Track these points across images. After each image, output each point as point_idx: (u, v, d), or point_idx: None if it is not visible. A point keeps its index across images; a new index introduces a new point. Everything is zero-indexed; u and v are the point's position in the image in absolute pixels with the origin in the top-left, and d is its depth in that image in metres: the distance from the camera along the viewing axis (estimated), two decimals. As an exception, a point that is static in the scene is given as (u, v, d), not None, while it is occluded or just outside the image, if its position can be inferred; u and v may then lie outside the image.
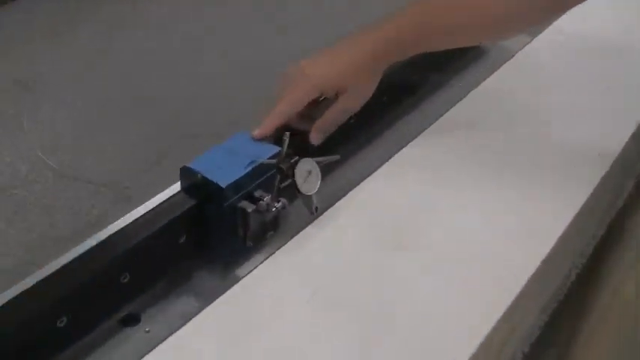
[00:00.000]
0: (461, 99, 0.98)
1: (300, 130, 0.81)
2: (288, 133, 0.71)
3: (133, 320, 0.69)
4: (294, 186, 0.72)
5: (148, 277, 0.68)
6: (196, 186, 0.73)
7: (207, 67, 1.12)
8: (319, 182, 0.73)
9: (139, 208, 0.75)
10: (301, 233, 0.76)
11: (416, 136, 0.91)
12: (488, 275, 0.73)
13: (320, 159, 0.74)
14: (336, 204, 0.80)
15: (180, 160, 0.75)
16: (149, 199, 0.79)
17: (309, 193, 0.73)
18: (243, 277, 0.73)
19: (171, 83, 1.07)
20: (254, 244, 0.75)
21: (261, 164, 0.73)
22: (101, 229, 0.76)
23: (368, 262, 0.74)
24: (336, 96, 0.80)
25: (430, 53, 0.88)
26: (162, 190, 0.77)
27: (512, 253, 0.76)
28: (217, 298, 0.71)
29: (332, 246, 0.76)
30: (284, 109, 0.78)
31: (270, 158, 0.74)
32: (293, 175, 0.70)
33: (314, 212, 0.74)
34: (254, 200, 0.73)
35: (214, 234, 0.74)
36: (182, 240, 0.69)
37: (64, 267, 0.62)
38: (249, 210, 0.72)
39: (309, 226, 0.77)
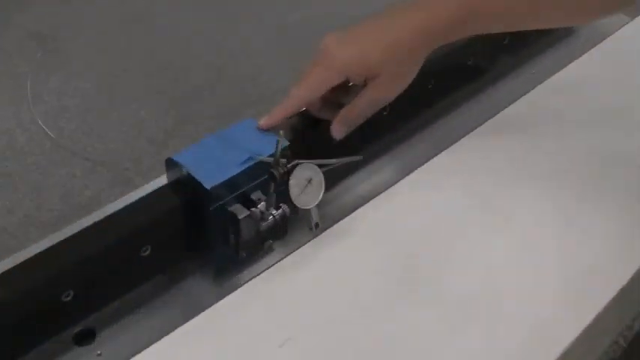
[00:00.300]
0: (529, 90, 0.81)
1: (321, 118, 0.67)
2: (282, 132, 0.57)
3: (87, 337, 0.58)
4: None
5: (102, 292, 0.57)
6: (181, 182, 0.61)
7: (238, 37, 0.99)
8: (321, 194, 0.59)
9: (118, 202, 0.65)
10: (300, 250, 0.63)
11: (463, 136, 0.75)
12: (521, 335, 0.57)
13: (332, 161, 0.60)
14: (349, 216, 0.66)
15: (188, 144, 0.63)
16: (147, 183, 0.69)
17: (307, 207, 0.59)
18: (227, 295, 0.61)
19: (194, 55, 0.95)
20: (248, 255, 0.63)
21: (261, 162, 0.60)
22: (90, 213, 0.66)
23: (366, 303, 0.59)
24: (366, 82, 0.65)
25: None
26: (163, 174, 0.66)
27: (557, 308, 0.59)
28: (190, 319, 0.59)
29: (329, 273, 0.62)
30: (299, 94, 0.64)
31: (272, 155, 0.61)
32: (287, 184, 0.57)
33: (313, 229, 0.61)
34: (250, 204, 0.61)
35: (204, 238, 0.62)
36: (146, 253, 0.57)
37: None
38: (241, 216, 0.60)
39: (310, 243, 0.63)
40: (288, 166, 0.57)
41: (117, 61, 0.94)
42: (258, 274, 0.62)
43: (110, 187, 0.76)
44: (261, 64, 0.93)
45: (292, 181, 0.57)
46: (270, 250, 0.65)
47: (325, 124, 0.67)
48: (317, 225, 0.60)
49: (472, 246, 0.64)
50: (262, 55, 0.95)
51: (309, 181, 0.58)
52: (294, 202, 0.58)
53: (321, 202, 0.60)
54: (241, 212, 0.60)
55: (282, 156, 0.58)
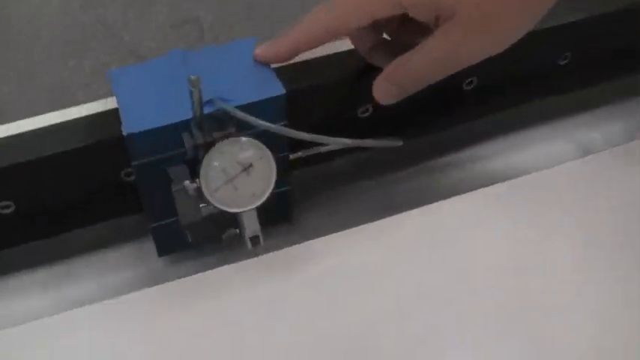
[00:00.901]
0: None
1: (375, 66, 0.44)
2: (198, 78, 0.34)
3: None
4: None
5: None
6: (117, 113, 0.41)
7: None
8: (267, 193, 0.36)
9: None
10: (249, 261, 0.40)
11: (577, 157, 0.45)
12: None
13: (344, 141, 0.37)
14: (312, 240, 0.41)
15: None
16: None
17: (233, 210, 0.36)
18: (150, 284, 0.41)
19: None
20: (199, 240, 0.43)
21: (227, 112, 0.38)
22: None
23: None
24: (437, 24, 0.40)
25: None
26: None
27: None
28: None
29: (255, 307, 0.38)
30: (318, 18, 0.41)
31: (251, 105, 0.39)
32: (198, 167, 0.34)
33: (248, 244, 0.38)
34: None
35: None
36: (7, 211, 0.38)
37: None
38: (176, 187, 0.39)
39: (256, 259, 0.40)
40: (216, 134, 0.34)
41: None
42: (190, 275, 0.41)
43: (106, 95, 0.59)
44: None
45: (213, 162, 0.34)
46: (231, 242, 0.43)
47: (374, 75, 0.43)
48: (256, 240, 0.37)
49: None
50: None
51: (247, 168, 0.34)
52: (208, 198, 0.35)
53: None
54: (178, 180, 0.39)
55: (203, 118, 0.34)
